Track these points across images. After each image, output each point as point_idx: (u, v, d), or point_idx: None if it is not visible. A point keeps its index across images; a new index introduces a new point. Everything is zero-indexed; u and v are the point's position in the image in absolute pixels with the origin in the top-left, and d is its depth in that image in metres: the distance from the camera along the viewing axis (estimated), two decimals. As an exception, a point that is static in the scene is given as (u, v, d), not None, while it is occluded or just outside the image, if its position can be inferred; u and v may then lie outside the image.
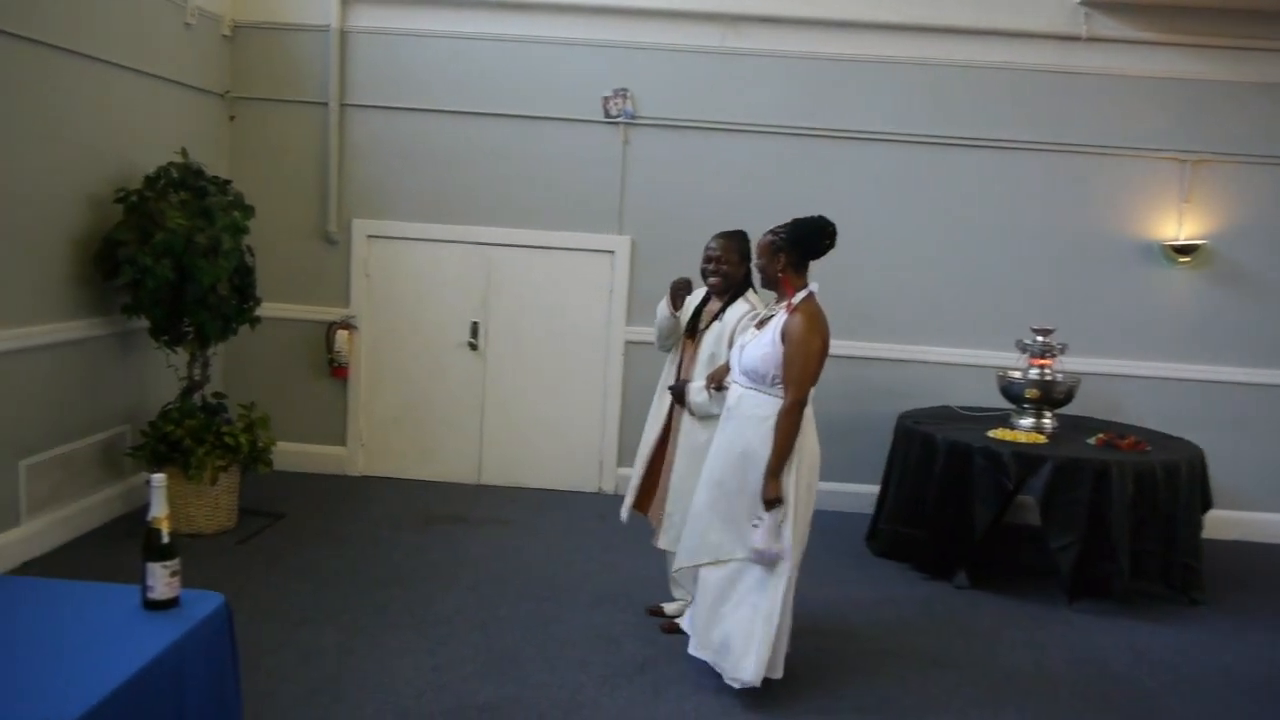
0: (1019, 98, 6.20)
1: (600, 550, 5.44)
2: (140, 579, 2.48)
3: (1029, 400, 5.60)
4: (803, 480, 3.73)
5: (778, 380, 3.68)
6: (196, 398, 5.39)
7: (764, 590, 3.73)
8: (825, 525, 6.10)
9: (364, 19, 6.31)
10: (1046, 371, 5.59)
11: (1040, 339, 5.64)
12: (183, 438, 5.09)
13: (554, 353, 6.53)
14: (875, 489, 5.90)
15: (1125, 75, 6.14)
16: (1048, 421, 5.60)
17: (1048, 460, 4.99)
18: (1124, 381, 6.31)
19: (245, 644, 2.80)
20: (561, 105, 6.31)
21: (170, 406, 5.31)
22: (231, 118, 6.43)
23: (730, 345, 4.02)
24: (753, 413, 3.73)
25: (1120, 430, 5.58)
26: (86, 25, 4.96)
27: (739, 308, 4.16)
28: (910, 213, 6.32)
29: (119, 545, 5.02)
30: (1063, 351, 5.63)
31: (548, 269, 6.44)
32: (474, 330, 6.50)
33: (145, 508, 2.53)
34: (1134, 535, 5.01)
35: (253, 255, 5.56)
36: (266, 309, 5.82)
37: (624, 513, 4.55)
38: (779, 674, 3.80)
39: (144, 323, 5.28)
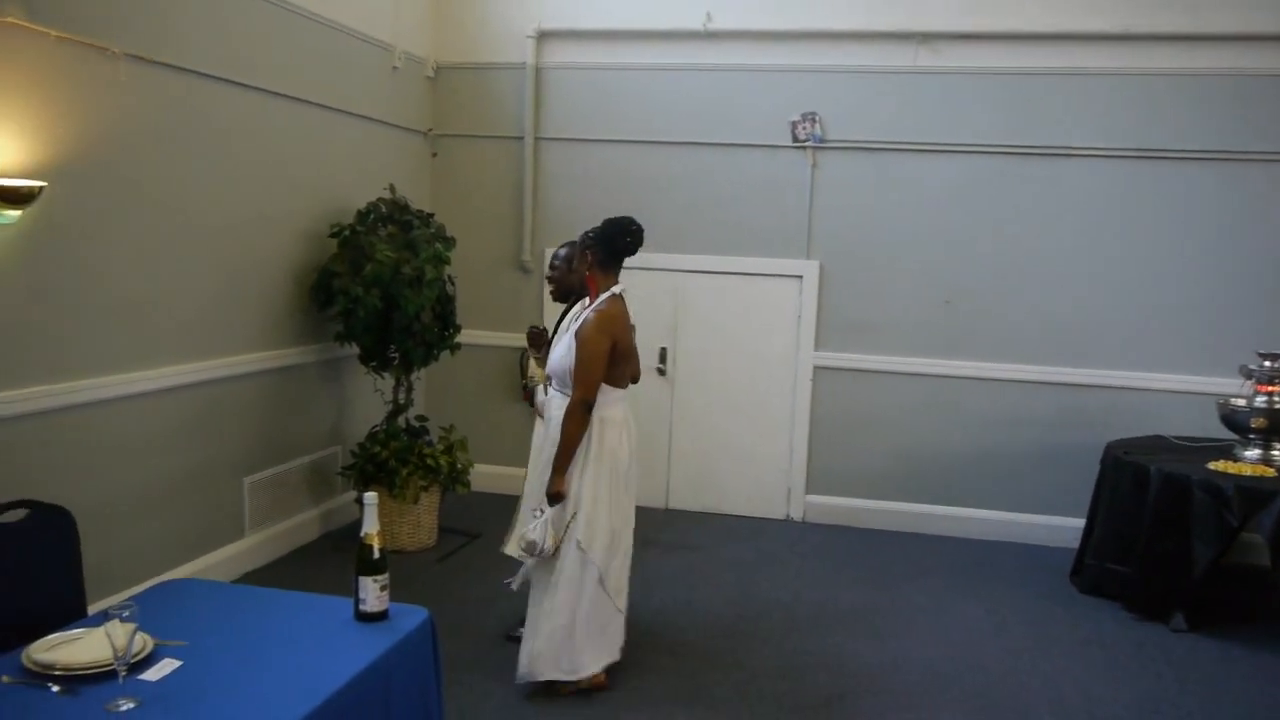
0: (1239, 105, 5.76)
1: (790, 579, 5.38)
2: (353, 591, 2.62)
3: (1255, 430, 5.18)
4: (602, 483, 3.76)
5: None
6: (401, 420, 5.66)
7: (555, 590, 3.77)
8: (1027, 559, 5.88)
9: (557, 55, 6.52)
10: (1276, 399, 5.17)
11: (1268, 364, 5.22)
12: (388, 459, 5.35)
13: (742, 378, 6.52)
14: (1081, 522, 5.59)
15: (1364, 76, 5.65)
16: (1277, 453, 5.17)
17: (1278, 495, 4.61)
18: (1366, 411, 5.75)
19: (445, 657, 2.90)
20: (749, 131, 6.32)
21: (377, 429, 5.60)
22: (434, 154, 6.76)
23: None
24: (556, 414, 3.81)
25: (1363, 464, 5.09)
26: (306, 74, 5.33)
27: (574, 311, 4.15)
28: (1118, 230, 5.97)
29: (327, 560, 5.29)
30: (1294, 377, 5.20)
31: (736, 294, 6.45)
32: (662, 356, 6.56)
33: (350, 525, 2.67)
34: (1382, 580, 4.56)
35: (453, 284, 5.81)
36: (465, 335, 6.05)
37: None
38: (576, 676, 3.83)
39: (354, 349, 5.60)
